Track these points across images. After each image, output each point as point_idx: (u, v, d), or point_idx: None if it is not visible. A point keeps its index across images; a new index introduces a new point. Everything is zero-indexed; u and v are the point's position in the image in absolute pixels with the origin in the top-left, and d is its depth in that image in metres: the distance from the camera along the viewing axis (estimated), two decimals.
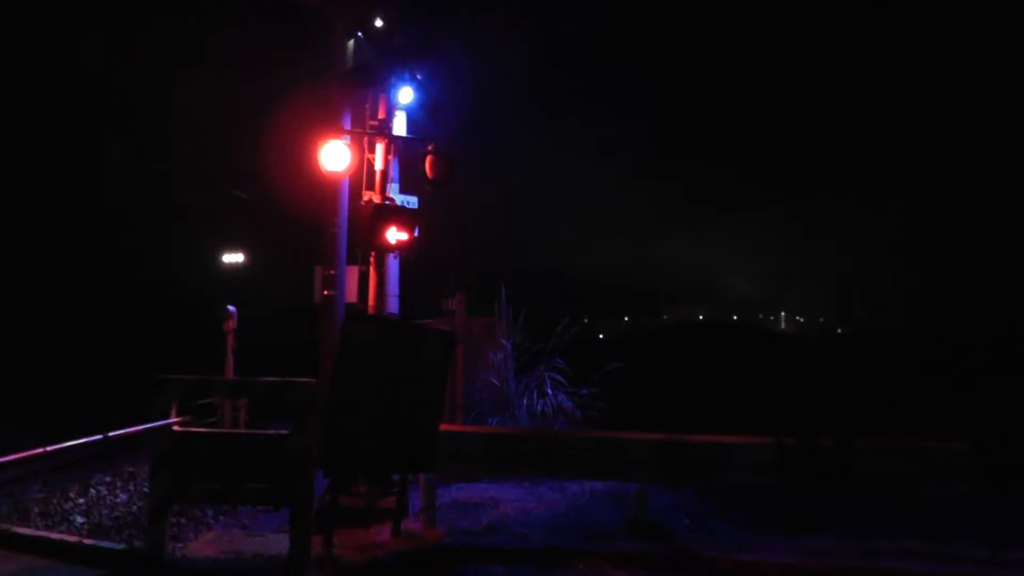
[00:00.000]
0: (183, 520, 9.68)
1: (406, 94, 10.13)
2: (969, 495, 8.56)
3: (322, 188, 9.76)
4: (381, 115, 10.17)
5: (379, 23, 9.84)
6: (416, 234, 10.10)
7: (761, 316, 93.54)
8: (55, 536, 8.38)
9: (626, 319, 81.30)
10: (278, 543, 7.99)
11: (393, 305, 10.19)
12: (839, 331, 68.59)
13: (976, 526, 8.73)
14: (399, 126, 10.27)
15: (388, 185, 10.05)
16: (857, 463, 8.51)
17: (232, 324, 13.48)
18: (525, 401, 13.51)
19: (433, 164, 9.85)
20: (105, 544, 8.15)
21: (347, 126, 9.79)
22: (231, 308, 13.49)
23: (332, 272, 9.69)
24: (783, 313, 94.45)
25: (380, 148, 10.10)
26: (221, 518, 9.94)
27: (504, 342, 13.67)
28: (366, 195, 10.07)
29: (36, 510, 9.73)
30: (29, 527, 8.96)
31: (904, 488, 8.67)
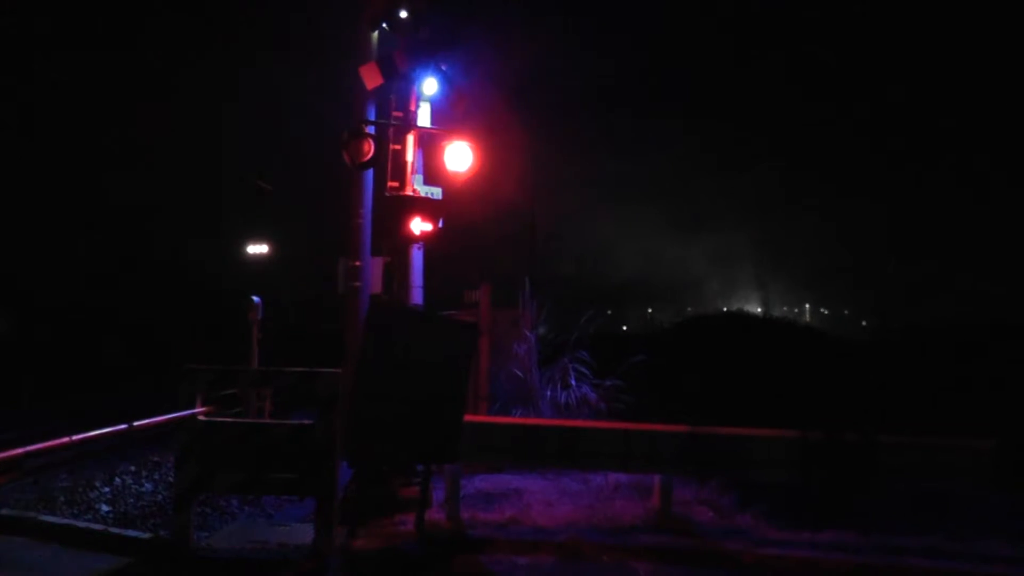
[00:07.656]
0: (208, 510, 9.75)
1: (430, 85, 10.11)
2: (995, 494, 8.49)
3: (347, 179, 9.76)
4: (411, 106, 10.16)
5: (403, 14, 9.84)
6: (440, 225, 10.11)
7: (785, 308, 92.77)
8: (81, 524, 8.45)
9: (649, 311, 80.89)
10: (302, 533, 8.03)
11: (417, 296, 10.18)
12: (863, 323, 67.99)
13: (1004, 525, 8.66)
14: (423, 117, 10.25)
15: (412, 176, 10.03)
16: (882, 459, 8.46)
17: (257, 315, 13.57)
18: (549, 393, 13.46)
19: (457, 154, 9.85)
20: (130, 533, 8.20)
21: (371, 116, 9.78)
22: (256, 299, 13.58)
23: (357, 263, 9.66)
24: (807, 305, 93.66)
25: (410, 139, 10.09)
26: (246, 508, 10.01)
27: (528, 334, 13.63)
28: (390, 186, 10.06)
29: (62, 498, 9.83)
30: (55, 515, 9.05)
31: (929, 485, 8.61)
